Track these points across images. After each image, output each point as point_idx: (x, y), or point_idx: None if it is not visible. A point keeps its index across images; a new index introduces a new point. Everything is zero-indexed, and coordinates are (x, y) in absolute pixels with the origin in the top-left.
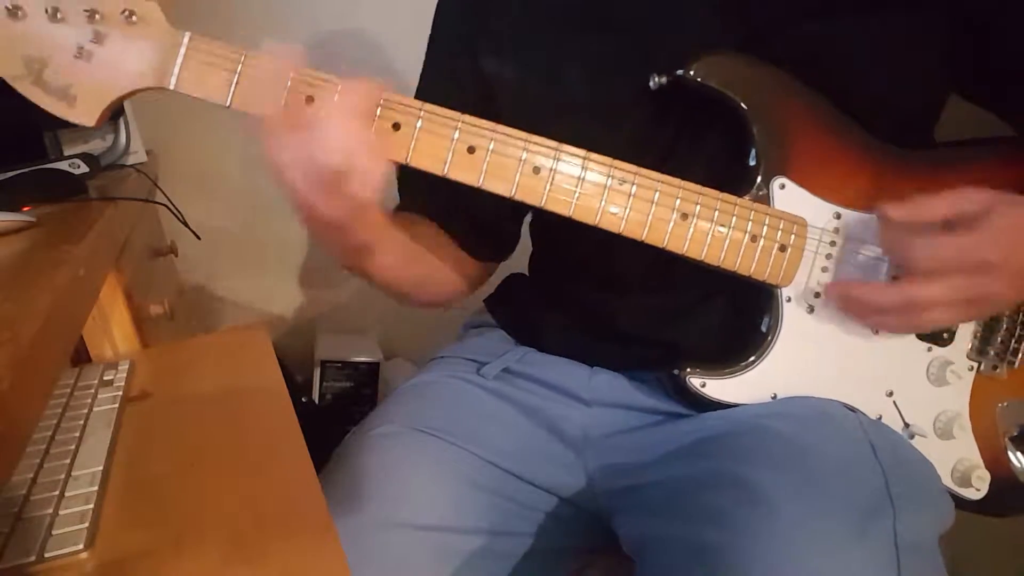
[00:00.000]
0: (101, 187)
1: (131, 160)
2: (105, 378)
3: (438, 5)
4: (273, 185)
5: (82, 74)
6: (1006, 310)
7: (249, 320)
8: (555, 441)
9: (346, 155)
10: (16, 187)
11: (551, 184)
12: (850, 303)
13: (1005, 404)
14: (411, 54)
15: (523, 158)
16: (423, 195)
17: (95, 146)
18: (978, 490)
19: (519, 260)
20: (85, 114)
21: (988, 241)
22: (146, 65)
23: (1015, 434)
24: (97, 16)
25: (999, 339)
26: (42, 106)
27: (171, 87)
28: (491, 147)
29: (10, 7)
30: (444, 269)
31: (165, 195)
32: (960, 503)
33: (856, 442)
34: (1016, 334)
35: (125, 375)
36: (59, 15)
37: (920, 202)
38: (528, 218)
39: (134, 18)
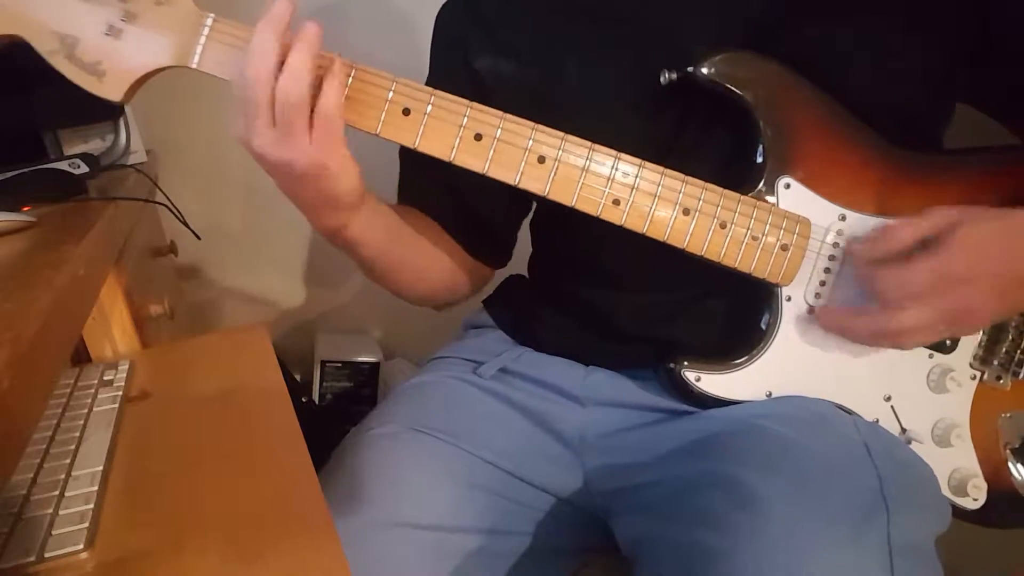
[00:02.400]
0: (101, 187)
1: (131, 160)
2: (105, 378)
3: (440, 9)
4: (275, 187)
5: (111, 51)
6: (1000, 318)
7: (249, 320)
8: (552, 441)
9: (298, 81)
10: (16, 187)
11: (555, 174)
12: (838, 332)
13: (1008, 415)
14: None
15: (529, 147)
16: (422, 193)
17: (95, 146)
18: (975, 500)
19: (519, 261)
20: (113, 90)
21: (954, 257)
22: (171, 44)
23: (1017, 446)
24: None
25: (1003, 349)
26: (74, 80)
27: (193, 66)
28: (498, 135)
29: None
30: (434, 257)
31: (165, 195)
32: (959, 513)
33: (851, 444)
34: (1021, 345)
35: (125, 375)
36: None
37: (885, 233)
38: (528, 217)
39: None
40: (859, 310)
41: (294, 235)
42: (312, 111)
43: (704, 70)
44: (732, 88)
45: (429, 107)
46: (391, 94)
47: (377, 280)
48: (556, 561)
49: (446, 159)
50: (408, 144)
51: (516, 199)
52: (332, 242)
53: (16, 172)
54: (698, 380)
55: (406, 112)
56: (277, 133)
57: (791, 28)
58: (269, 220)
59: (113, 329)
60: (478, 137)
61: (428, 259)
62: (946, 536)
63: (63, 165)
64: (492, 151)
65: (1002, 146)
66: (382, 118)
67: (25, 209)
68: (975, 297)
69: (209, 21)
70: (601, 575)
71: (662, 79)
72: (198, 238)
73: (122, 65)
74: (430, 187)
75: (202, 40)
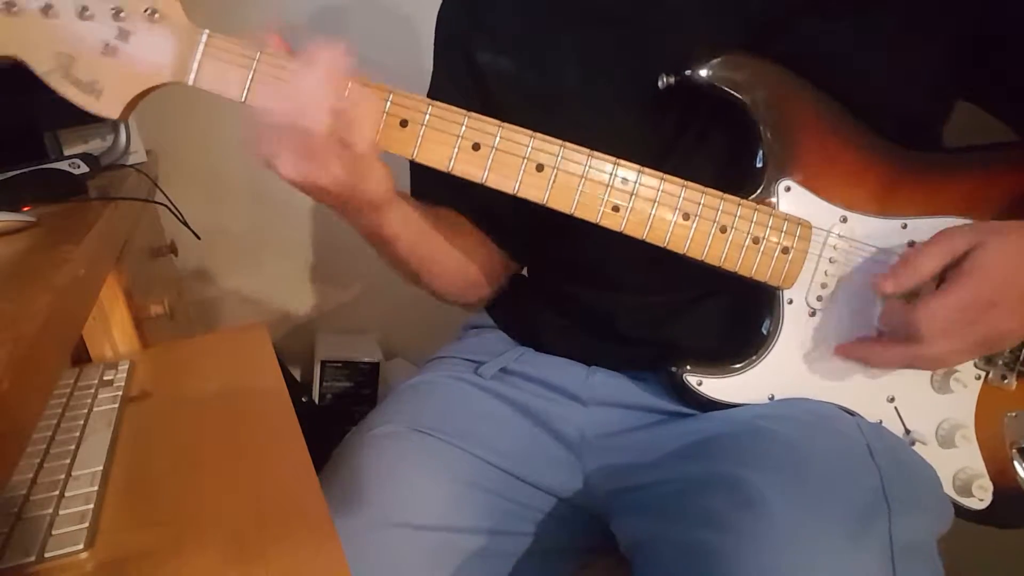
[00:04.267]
0: (101, 187)
1: (131, 160)
2: (105, 378)
3: (439, 9)
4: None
5: (108, 69)
6: (1019, 337)
7: (249, 320)
8: (552, 441)
9: (330, 111)
10: (16, 187)
11: (554, 181)
12: (865, 363)
13: (1013, 415)
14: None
15: (527, 155)
16: (445, 189)
17: (95, 146)
18: (980, 500)
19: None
20: (111, 107)
21: (980, 284)
22: (167, 61)
23: (1023, 445)
24: (122, 14)
25: (1008, 349)
26: (71, 100)
27: (190, 82)
28: (496, 144)
29: (42, 6)
30: (468, 250)
31: (165, 195)
32: (963, 513)
33: (853, 444)
34: None
35: (125, 375)
36: (87, 13)
37: (907, 266)
38: None
39: (157, 15)
40: (887, 342)
41: (294, 235)
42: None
43: (702, 73)
44: (730, 91)
45: (426, 118)
46: (388, 105)
47: (413, 278)
48: (556, 561)
49: (444, 169)
50: (406, 156)
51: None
52: (369, 240)
53: (16, 172)
54: (700, 384)
55: (403, 124)
56: (310, 163)
57: (790, 28)
58: (269, 220)
59: (113, 329)
60: (476, 147)
61: (464, 253)
62: (946, 536)
63: (63, 165)
64: (490, 160)
65: (1002, 143)
66: (379, 130)
67: (25, 209)
68: (1006, 319)
69: (204, 37)
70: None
71: (660, 83)
72: (198, 238)
73: (119, 83)
74: (449, 189)
75: (198, 56)
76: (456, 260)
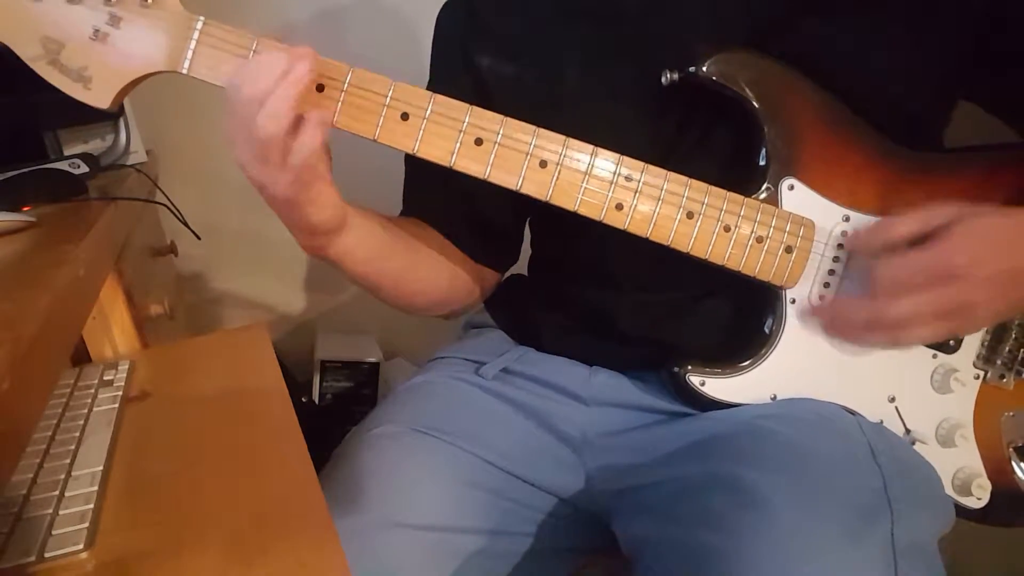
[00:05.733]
0: (101, 187)
1: (131, 160)
2: (105, 378)
3: (439, 12)
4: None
5: (98, 56)
6: (1001, 318)
7: (249, 320)
8: (554, 441)
9: (275, 119)
10: (16, 187)
11: (557, 178)
12: (830, 321)
13: (1011, 414)
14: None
15: (530, 151)
16: (427, 202)
17: (95, 146)
18: (979, 499)
19: (519, 261)
20: (100, 96)
21: (951, 250)
22: (160, 49)
23: (1020, 444)
24: None
25: (1007, 348)
26: (59, 87)
27: (184, 71)
28: (498, 139)
29: None
30: (432, 269)
31: (165, 195)
32: (963, 512)
33: (855, 445)
34: None
35: (125, 375)
36: None
37: (884, 224)
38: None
39: (149, 1)
40: (852, 300)
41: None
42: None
43: (705, 70)
44: (734, 89)
45: (428, 111)
46: (388, 99)
47: (372, 294)
48: (557, 562)
49: (446, 164)
50: (407, 149)
51: (523, 198)
52: (315, 258)
53: (16, 172)
54: (702, 384)
55: (404, 117)
56: (254, 155)
57: (792, 27)
58: (269, 220)
59: (113, 329)
60: (479, 142)
61: (426, 271)
62: (946, 536)
63: (63, 165)
64: (493, 156)
65: (1003, 144)
66: (380, 123)
67: (25, 209)
68: (973, 292)
69: (199, 24)
70: None
71: (663, 79)
72: (198, 238)
73: (109, 70)
74: (436, 195)
75: (192, 44)
76: (413, 282)
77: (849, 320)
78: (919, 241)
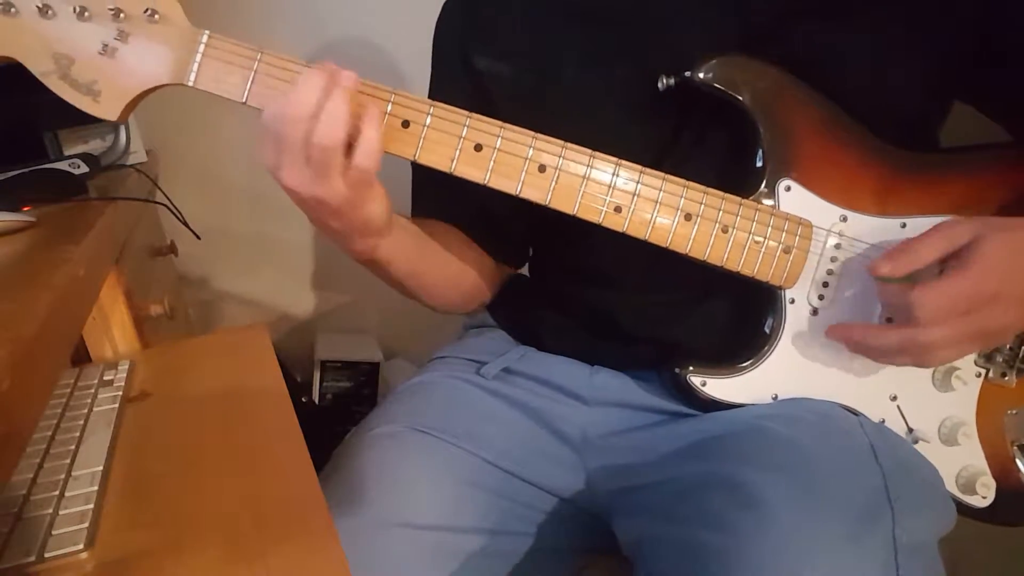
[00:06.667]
0: (101, 187)
1: (131, 160)
2: (105, 378)
3: (439, 16)
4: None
5: (107, 70)
6: (1017, 332)
7: (249, 320)
8: (555, 441)
9: (335, 126)
10: (16, 187)
11: (556, 182)
12: (853, 347)
13: (1014, 412)
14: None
15: (529, 156)
16: (438, 200)
17: (95, 146)
18: (984, 498)
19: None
20: (109, 109)
21: (982, 275)
22: (167, 62)
23: (1023, 443)
24: (122, 15)
25: (1008, 346)
26: (69, 101)
27: (190, 84)
28: (498, 145)
29: (40, 6)
30: (461, 265)
31: (165, 195)
32: (967, 511)
33: (856, 444)
34: None
35: (125, 375)
36: (86, 14)
37: (907, 250)
38: None
39: (156, 16)
40: (883, 327)
41: (294, 235)
42: (348, 152)
43: (701, 75)
44: (729, 92)
45: (428, 118)
46: (390, 106)
47: (410, 295)
48: (557, 562)
49: (446, 171)
50: (408, 157)
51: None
52: (362, 263)
53: (16, 172)
54: (703, 385)
55: (405, 124)
56: (311, 172)
57: (788, 29)
58: (269, 220)
59: (113, 329)
60: (478, 148)
61: (457, 267)
62: (947, 536)
63: (63, 165)
64: (492, 161)
65: (1000, 143)
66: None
67: (25, 209)
68: (1005, 314)
69: (204, 38)
70: None
71: (660, 85)
72: (198, 238)
73: (118, 84)
74: (446, 195)
75: (198, 57)
76: (450, 276)
77: (878, 347)
78: (941, 264)
